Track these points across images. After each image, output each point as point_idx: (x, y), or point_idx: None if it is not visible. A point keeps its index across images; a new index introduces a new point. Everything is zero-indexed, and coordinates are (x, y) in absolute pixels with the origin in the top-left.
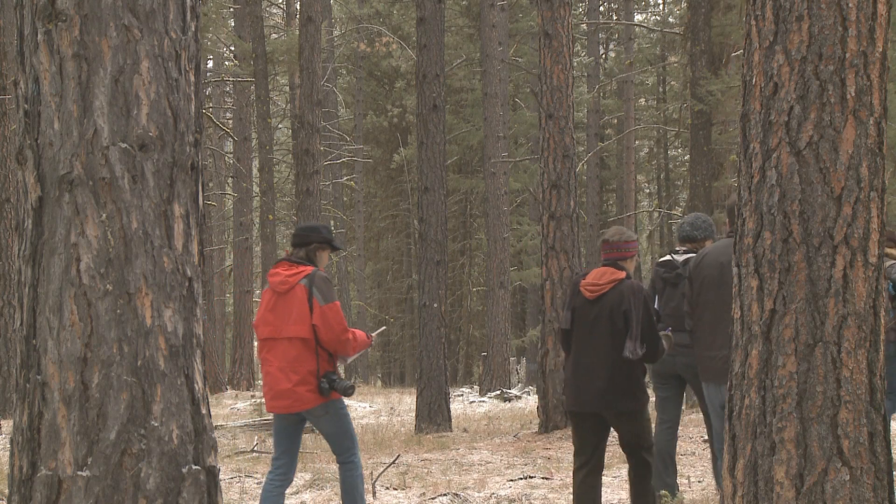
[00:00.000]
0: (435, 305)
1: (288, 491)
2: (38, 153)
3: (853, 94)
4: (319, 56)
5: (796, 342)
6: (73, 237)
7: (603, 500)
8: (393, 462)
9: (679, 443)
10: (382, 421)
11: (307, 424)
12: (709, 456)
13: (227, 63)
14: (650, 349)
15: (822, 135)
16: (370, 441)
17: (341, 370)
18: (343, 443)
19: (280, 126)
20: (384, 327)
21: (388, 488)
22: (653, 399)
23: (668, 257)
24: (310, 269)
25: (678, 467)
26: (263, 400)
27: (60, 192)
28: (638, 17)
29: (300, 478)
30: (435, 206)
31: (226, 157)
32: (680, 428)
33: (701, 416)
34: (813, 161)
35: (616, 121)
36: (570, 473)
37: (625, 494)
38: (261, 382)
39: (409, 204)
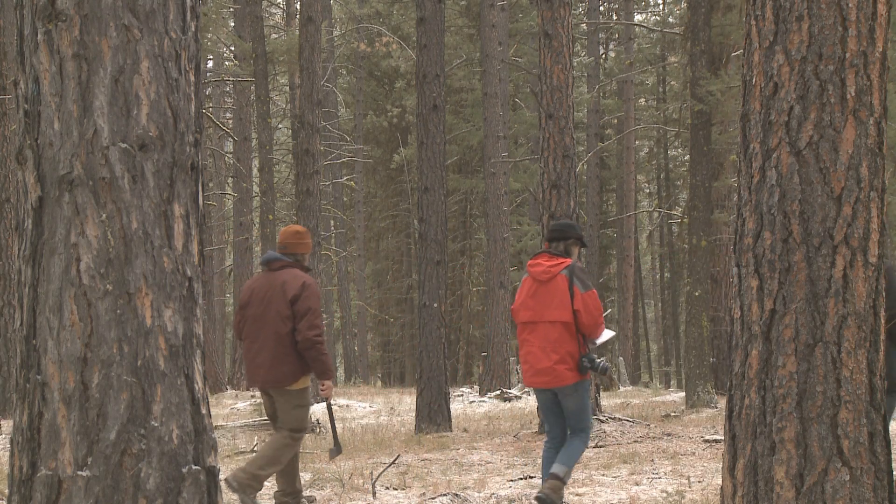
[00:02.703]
0: (435, 305)
1: None
2: (38, 153)
3: (853, 94)
4: (319, 56)
5: (796, 342)
6: (73, 237)
7: (603, 499)
8: (393, 462)
9: (679, 442)
10: (382, 421)
11: None
12: (709, 456)
13: (227, 63)
14: None
15: (822, 135)
16: (370, 441)
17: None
18: (581, 421)
19: (280, 126)
20: (609, 309)
21: (388, 488)
22: None
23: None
24: (568, 260)
25: (678, 467)
26: (522, 377)
27: (60, 192)
28: (638, 17)
29: (300, 478)
30: (435, 206)
31: (226, 157)
32: (680, 427)
33: (700, 416)
34: (813, 161)
35: (616, 121)
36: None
37: (625, 495)
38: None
39: (409, 204)
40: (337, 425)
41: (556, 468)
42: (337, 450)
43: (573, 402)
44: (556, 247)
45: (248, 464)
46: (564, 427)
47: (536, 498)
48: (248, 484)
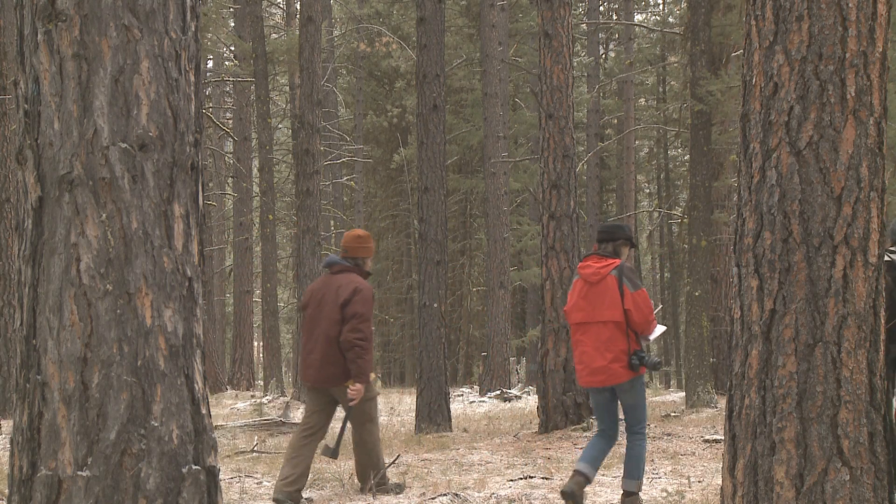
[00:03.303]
0: (435, 305)
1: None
2: (38, 153)
3: (853, 94)
4: (319, 56)
5: (796, 342)
6: (73, 237)
7: (603, 499)
8: (393, 462)
9: (679, 442)
10: (382, 421)
11: None
12: (709, 456)
13: (227, 63)
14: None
15: (822, 135)
16: None
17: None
18: (637, 415)
19: (280, 126)
20: (661, 305)
21: None
22: None
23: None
24: (617, 261)
25: (678, 467)
26: (577, 375)
27: (60, 192)
28: (638, 17)
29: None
30: (435, 206)
31: (226, 157)
32: (680, 427)
33: (701, 415)
34: (813, 161)
35: (616, 121)
36: (570, 473)
37: None
38: (261, 383)
39: (409, 204)
40: (338, 425)
41: (627, 484)
42: (333, 452)
43: (631, 397)
44: (604, 248)
45: (362, 480)
46: (616, 425)
47: None
48: (379, 482)
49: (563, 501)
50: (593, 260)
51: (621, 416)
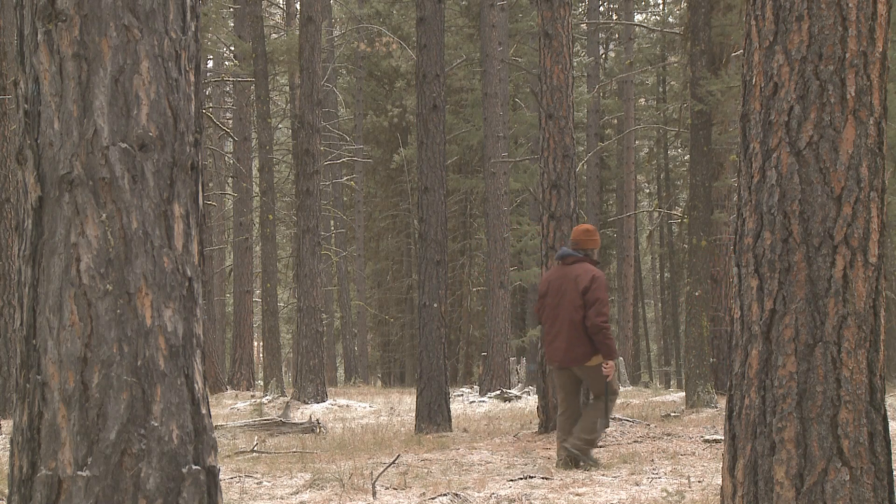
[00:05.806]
0: (435, 305)
1: (287, 491)
2: (38, 153)
3: (853, 94)
4: (319, 56)
5: (796, 342)
6: (73, 237)
7: (603, 499)
8: (393, 462)
9: (679, 442)
10: (382, 421)
11: None
12: (709, 456)
13: (227, 63)
14: None
15: (822, 135)
16: (370, 441)
17: None
18: None
19: (280, 126)
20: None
21: (388, 488)
22: None
23: None
24: None
25: (678, 467)
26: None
27: (60, 192)
28: (638, 17)
29: (300, 478)
30: (435, 206)
31: (226, 157)
32: (680, 427)
33: (700, 416)
34: (813, 161)
35: (616, 121)
36: (570, 473)
37: (625, 494)
38: (261, 383)
39: (409, 204)
40: (339, 425)
41: None
42: (605, 423)
43: None
44: None
45: (578, 430)
46: None
47: None
48: (582, 448)
49: (562, 502)
50: None
51: None
